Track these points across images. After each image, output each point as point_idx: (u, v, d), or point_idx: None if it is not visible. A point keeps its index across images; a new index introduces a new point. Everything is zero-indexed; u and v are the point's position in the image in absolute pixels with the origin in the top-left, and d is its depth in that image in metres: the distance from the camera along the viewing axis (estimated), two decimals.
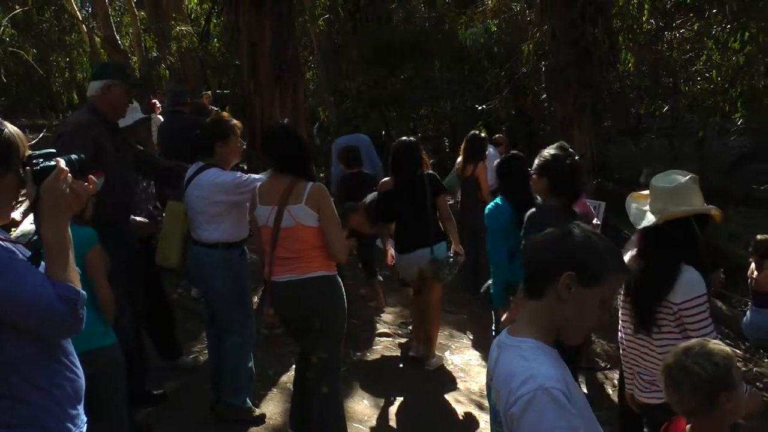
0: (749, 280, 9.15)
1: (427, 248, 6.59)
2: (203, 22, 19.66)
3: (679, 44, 13.84)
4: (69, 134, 5.03)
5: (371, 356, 7.54)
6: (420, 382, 6.93)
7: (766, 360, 8.54)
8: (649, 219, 3.79)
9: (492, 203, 6.14)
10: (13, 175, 2.43)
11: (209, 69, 21.41)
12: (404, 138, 6.94)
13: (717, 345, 2.86)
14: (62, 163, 2.42)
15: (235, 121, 5.49)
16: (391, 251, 7.12)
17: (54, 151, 2.48)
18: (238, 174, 5.29)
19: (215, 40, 20.05)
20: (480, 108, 14.18)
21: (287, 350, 5.86)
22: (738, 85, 11.67)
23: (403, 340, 7.99)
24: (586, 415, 2.30)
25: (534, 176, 5.29)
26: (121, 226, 5.32)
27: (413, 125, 18.64)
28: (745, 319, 9.16)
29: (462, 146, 9.25)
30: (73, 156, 2.53)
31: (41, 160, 2.43)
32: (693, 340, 2.92)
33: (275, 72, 8.76)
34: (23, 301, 2.26)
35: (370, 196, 6.95)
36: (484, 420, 6.13)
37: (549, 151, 5.31)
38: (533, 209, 5.27)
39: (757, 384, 7.58)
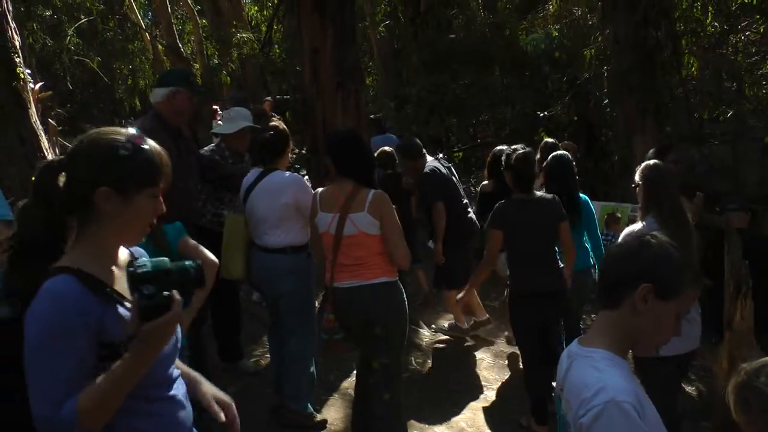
0: None
1: None
2: (264, 28, 19.74)
3: (744, 47, 13.60)
4: None
5: (432, 361, 7.53)
6: (481, 390, 6.90)
7: None
8: None
9: None
10: (150, 197, 2.31)
11: (270, 75, 21.56)
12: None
13: None
14: (177, 296, 2.14)
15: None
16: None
17: (166, 260, 2.24)
18: (302, 177, 5.37)
19: (276, 46, 20.16)
20: (541, 114, 14.07)
21: (348, 356, 5.85)
22: None
23: (469, 343, 7.98)
24: (657, 430, 2.26)
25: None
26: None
27: (473, 131, 18.58)
28: None
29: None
30: (191, 266, 2.28)
31: (151, 288, 2.10)
32: (764, 358, 2.84)
33: (337, 77, 8.82)
34: (30, 371, 2.07)
35: None
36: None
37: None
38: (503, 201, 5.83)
39: None
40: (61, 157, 2.29)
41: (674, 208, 4.82)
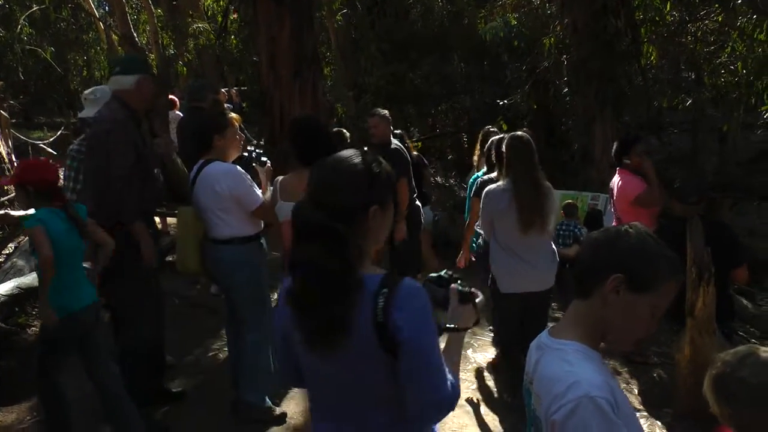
0: None
1: None
2: (220, 18, 19.59)
3: (703, 36, 13.65)
4: (116, 133, 5.05)
5: None
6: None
7: None
8: None
9: (475, 176, 7.16)
10: (385, 212, 2.46)
11: (227, 65, 21.37)
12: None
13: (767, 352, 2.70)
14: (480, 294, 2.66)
15: (233, 114, 5.41)
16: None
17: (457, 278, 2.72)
18: (237, 168, 5.19)
19: (233, 36, 19.99)
20: (501, 103, 14.03)
21: None
22: (764, 77, 11.49)
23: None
24: (631, 422, 2.15)
25: None
26: (151, 219, 5.47)
27: (431, 121, 18.54)
28: None
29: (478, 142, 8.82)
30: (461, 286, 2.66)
31: (465, 285, 2.65)
32: (740, 347, 2.75)
33: (294, 66, 8.70)
34: (431, 359, 2.33)
35: None
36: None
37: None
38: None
39: None
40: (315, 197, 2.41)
41: (526, 171, 5.58)
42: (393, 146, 7.66)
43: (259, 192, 5.23)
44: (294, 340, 2.42)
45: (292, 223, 2.43)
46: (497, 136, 6.63)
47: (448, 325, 2.54)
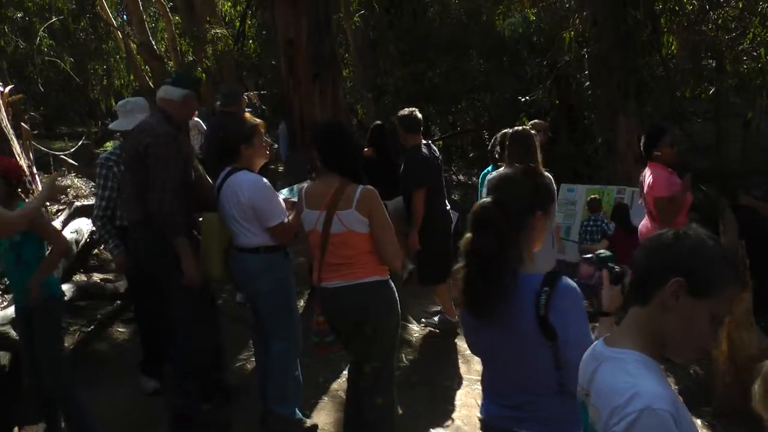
0: None
1: None
2: (238, 23, 19.61)
3: (724, 24, 13.51)
4: (165, 146, 5.13)
5: (423, 357, 7.39)
6: (474, 384, 6.76)
7: None
8: None
9: (486, 169, 7.62)
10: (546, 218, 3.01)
11: (246, 70, 21.40)
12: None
13: None
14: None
15: (258, 121, 5.36)
16: None
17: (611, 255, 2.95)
18: (264, 181, 5.16)
19: (250, 41, 20.00)
20: (522, 99, 13.95)
21: (337, 355, 5.70)
22: None
23: (460, 336, 7.83)
24: None
25: None
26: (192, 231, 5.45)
27: (452, 119, 18.48)
28: None
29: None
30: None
31: (612, 263, 2.88)
32: None
33: (313, 69, 8.66)
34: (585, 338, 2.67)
35: None
36: None
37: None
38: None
39: None
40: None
41: (521, 161, 5.27)
42: (412, 152, 7.53)
43: (282, 208, 5.18)
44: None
45: (471, 218, 2.90)
46: (501, 132, 7.12)
47: (601, 311, 2.80)
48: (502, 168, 4.18)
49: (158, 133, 5.17)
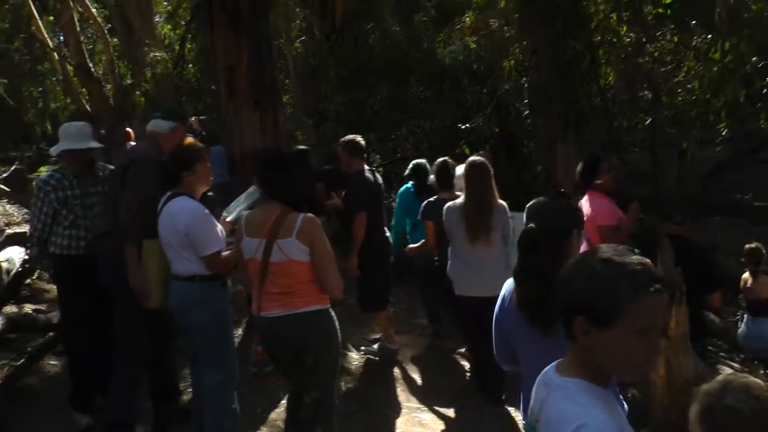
0: (742, 290, 9.15)
1: None
2: (177, 47, 19.48)
3: (660, 56, 13.79)
4: (144, 163, 5.47)
5: (363, 385, 7.36)
6: (414, 411, 6.75)
7: (761, 372, 8.43)
8: None
9: (404, 187, 8.76)
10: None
11: (185, 95, 21.23)
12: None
13: (747, 377, 2.65)
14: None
15: (201, 147, 5.33)
16: None
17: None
18: (201, 208, 5.10)
19: (190, 65, 19.87)
20: (462, 127, 14.04)
21: (275, 385, 5.63)
22: (720, 95, 11.63)
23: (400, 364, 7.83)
24: None
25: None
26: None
27: (392, 146, 18.53)
28: (740, 330, 9.14)
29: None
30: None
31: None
32: (722, 375, 2.73)
33: (254, 95, 8.59)
34: None
35: None
36: None
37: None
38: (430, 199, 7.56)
39: None
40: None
41: (475, 191, 6.50)
42: (357, 176, 7.57)
43: (220, 237, 5.10)
44: (513, 333, 3.37)
45: (520, 241, 3.30)
46: (439, 160, 7.78)
47: None
48: (539, 199, 4.25)
49: (148, 154, 5.49)
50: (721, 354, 9.13)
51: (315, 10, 18.06)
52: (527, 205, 3.69)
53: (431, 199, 7.58)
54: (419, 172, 8.56)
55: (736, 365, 8.51)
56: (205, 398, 5.22)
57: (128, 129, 11.40)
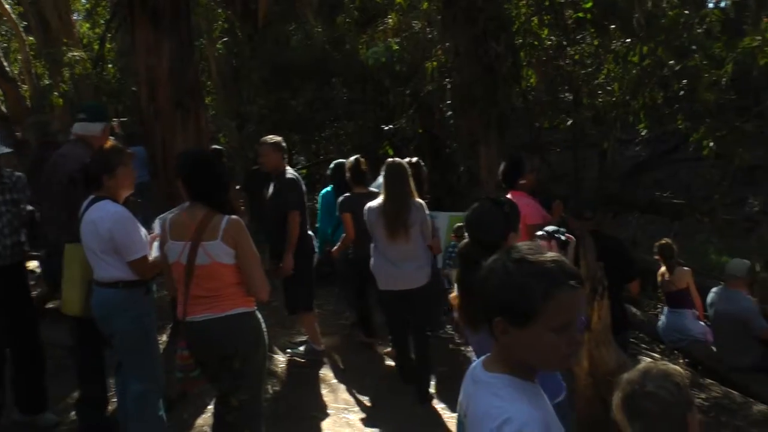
0: (660, 283, 9.41)
1: None
2: (97, 46, 19.12)
3: (580, 59, 14.02)
4: (69, 158, 5.53)
5: (290, 388, 7.32)
6: (343, 412, 6.75)
7: (681, 361, 8.64)
8: None
9: (324, 190, 9.03)
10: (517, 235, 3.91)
11: (105, 96, 20.87)
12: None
13: (667, 364, 2.76)
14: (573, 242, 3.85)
15: (124, 150, 5.23)
16: None
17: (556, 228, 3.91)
18: (124, 211, 5.02)
19: (110, 65, 19.52)
20: (385, 128, 14.08)
21: (202, 390, 5.56)
22: (639, 97, 11.89)
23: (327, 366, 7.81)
24: None
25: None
26: None
27: (315, 147, 18.48)
28: (660, 322, 9.44)
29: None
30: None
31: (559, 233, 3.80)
32: (643, 363, 2.80)
33: (175, 96, 8.46)
34: None
35: None
36: None
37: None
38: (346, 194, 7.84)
39: None
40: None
41: (392, 191, 6.72)
42: (288, 176, 7.58)
43: (144, 241, 5.02)
44: None
45: (458, 255, 3.51)
46: (351, 158, 8.13)
47: None
48: (474, 208, 4.28)
49: (69, 149, 5.57)
50: (643, 345, 9.37)
51: (237, 11, 17.91)
52: (465, 215, 3.97)
53: (347, 194, 7.87)
54: (339, 173, 8.58)
55: (656, 355, 8.73)
56: (129, 407, 5.13)
57: None
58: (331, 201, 8.45)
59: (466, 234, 3.78)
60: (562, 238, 3.80)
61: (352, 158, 8.09)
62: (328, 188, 8.93)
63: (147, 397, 5.10)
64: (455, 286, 3.68)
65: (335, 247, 8.13)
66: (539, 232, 3.86)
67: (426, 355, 7.19)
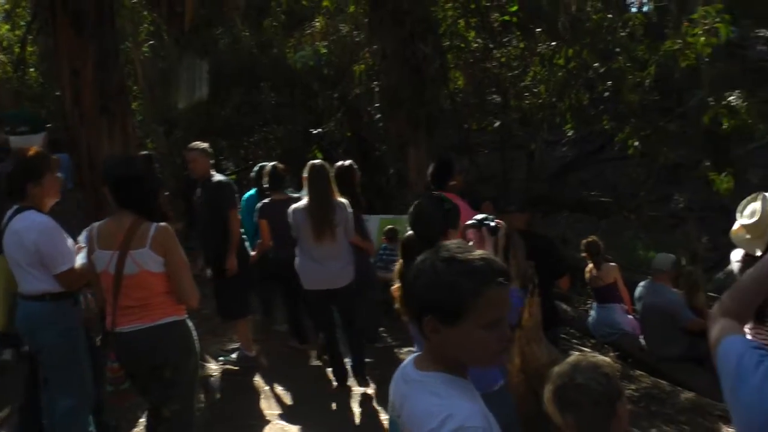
0: (588, 280, 9.57)
1: None
2: (18, 49, 18.69)
3: (507, 61, 14.16)
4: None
5: (222, 396, 7.25)
6: (276, 419, 6.72)
7: (611, 354, 8.80)
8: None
9: (247, 194, 8.90)
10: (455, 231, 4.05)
11: (27, 101, 20.44)
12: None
13: (596, 356, 2.82)
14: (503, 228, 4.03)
15: (48, 157, 5.09)
16: None
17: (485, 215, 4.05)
18: (50, 222, 4.90)
19: (32, 69, 19.12)
20: (314, 132, 14.07)
21: (134, 403, 5.46)
22: (565, 98, 12.07)
23: (260, 373, 7.74)
24: None
25: None
26: None
27: (244, 152, 18.37)
28: (590, 317, 9.63)
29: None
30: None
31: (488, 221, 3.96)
32: (573, 356, 2.84)
33: (100, 101, 8.31)
34: None
35: None
36: None
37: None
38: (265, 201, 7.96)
39: None
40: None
41: (317, 192, 6.81)
42: (215, 180, 7.55)
43: (71, 252, 4.87)
44: None
45: (401, 249, 3.67)
46: (269, 164, 8.30)
47: None
48: (417, 204, 4.29)
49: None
50: (574, 341, 9.53)
51: (163, 14, 17.67)
52: (409, 211, 4.12)
53: (266, 200, 8.01)
54: (262, 177, 8.64)
55: (587, 350, 8.86)
56: (57, 424, 5.01)
57: None
58: (254, 205, 8.43)
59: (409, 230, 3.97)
60: (492, 224, 3.94)
61: (270, 164, 8.26)
62: (252, 191, 8.95)
63: (75, 413, 4.97)
64: (396, 280, 3.89)
65: (252, 254, 8.10)
66: (469, 221, 3.98)
67: (358, 345, 7.41)
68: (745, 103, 12.07)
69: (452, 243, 2.22)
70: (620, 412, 2.67)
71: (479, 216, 4.03)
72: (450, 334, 2.06)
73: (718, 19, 10.69)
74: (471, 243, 3.57)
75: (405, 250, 3.81)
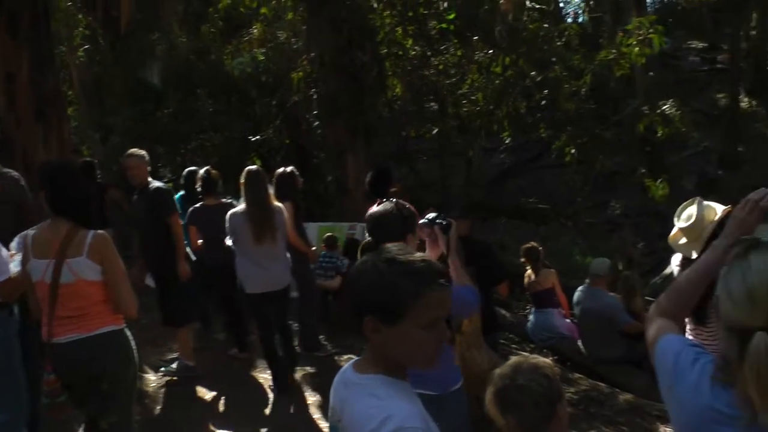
0: (527, 285, 9.71)
1: None
2: None
3: (445, 69, 14.25)
4: None
5: (162, 407, 7.15)
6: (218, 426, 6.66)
7: (550, 358, 8.89)
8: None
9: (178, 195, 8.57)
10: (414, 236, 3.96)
11: None
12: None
13: (537, 358, 2.87)
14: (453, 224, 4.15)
15: None
16: None
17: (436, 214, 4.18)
18: None
19: None
20: (252, 139, 14.01)
21: (71, 416, 5.33)
22: (503, 106, 12.20)
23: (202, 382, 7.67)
24: None
25: None
26: None
27: (181, 159, 18.23)
28: (529, 322, 9.76)
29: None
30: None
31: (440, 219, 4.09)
32: (513, 359, 2.88)
33: (35, 106, 8.20)
34: None
35: None
36: None
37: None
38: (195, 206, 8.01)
39: None
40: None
41: (254, 196, 6.81)
42: (154, 187, 7.45)
43: (6, 263, 4.75)
44: None
45: (361, 252, 3.52)
46: (203, 169, 8.25)
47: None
48: (376, 210, 4.29)
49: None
50: (513, 345, 9.61)
51: (98, 17, 17.44)
52: (367, 216, 4.16)
53: (196, 205, 8.04)
54: (190, 180, 8.73)
55: (527, 354, 8.94)
56: None
57: None
58: (181, 207, 8.31)
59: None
60: (444, 222, 4.06)
61: (203, 169, 8.24)
62: (179, 194, 8.92)
63: (9, 428, 4.79)
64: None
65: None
66: (421, 221, 4.04)
67: (292, 346, 7.51)
68: (679, 112, 12.37)
69: (394, 245, 2.25)
70: (560, 414, 2.72)
71: (430, 215, 4.12)
72: (390, 335, 2.08)
73: (651, 30, 10.95)
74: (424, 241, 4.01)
75: (364, 255, 3.80)
